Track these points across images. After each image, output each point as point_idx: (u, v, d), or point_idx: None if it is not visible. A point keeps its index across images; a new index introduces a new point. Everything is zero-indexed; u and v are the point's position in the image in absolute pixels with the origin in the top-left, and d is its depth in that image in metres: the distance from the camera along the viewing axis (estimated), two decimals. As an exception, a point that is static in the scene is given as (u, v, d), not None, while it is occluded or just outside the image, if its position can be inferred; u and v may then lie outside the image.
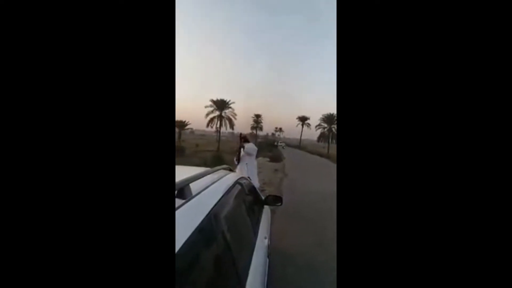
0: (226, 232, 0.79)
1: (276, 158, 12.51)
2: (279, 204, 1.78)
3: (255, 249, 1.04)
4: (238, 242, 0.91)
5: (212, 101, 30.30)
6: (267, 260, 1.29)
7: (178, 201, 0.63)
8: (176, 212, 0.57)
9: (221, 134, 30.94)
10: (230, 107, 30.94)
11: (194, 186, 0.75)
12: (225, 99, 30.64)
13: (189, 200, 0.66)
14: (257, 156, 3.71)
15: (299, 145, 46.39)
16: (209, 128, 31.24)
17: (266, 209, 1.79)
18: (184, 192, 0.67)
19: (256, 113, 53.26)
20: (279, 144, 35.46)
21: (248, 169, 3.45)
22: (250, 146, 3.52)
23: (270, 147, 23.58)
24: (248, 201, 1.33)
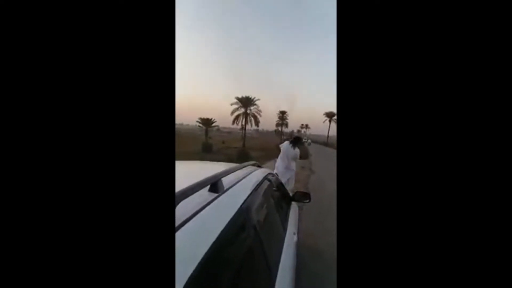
0: (258, 226, 0.80)
1: (303, 155, 12.23)
2: (307, 201, 1.75)
3: (285, 244, 1.05)
4: (269, 236, 0.92)
5: (238, 98, 30.71)
6: (296, 256, 1.28)
7: (211, 195, 0.66)
8: (210, 205, 0.60)
9: (246, 131, 31.24)
10: (255, 104, 31.09)
11: (225, 181, 0.78)
12: (250, 96, 30.84)
13: (222, 194, 0.69)
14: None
15: (326, 142, 44.97)
16: (234, 125, 31.76)
17: (294, 205, 1.78)
18: (217, 186, 0.70)
19: (282, 109, 52.62)
20: (304, 141, 34.79)
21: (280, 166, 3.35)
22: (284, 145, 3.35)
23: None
24: (276, 197, 1.33)
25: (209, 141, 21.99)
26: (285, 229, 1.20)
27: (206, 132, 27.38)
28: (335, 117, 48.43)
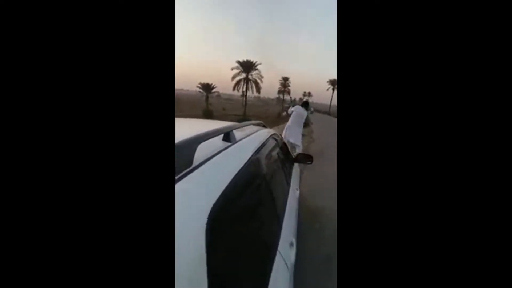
0: (267, 176, 0.86)
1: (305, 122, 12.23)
2: (309, 162, 1.82)
3: (289, 196, 1.13)
4: (276, 186, 0.99)
5: (239, 62, 29.40)
6: (297, 209, 1.38)
7: (225, 144, 0.70)
8: (224, 152, 0.64)
9: (247, 98, 30.56)
10: (257, 69, 29.87)
11: (236, 134, 0.81)
12: (251, 60, 29.47)
13: (234, 143, 0.73)
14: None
15: (328, 111, 44.36)
16: (235, 92, 31.01)
17: (295, 166, 1.86)
18: (229, 136, 0.74)
19: (284, 75, 50.73)
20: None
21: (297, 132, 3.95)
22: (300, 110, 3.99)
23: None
24: (281, 154, 1.39)
25: (209, 108, 21.74)
26: (288, 184, 1.27)
27: (207, 98, 26.84)
28: (339, 85, 46.92)
